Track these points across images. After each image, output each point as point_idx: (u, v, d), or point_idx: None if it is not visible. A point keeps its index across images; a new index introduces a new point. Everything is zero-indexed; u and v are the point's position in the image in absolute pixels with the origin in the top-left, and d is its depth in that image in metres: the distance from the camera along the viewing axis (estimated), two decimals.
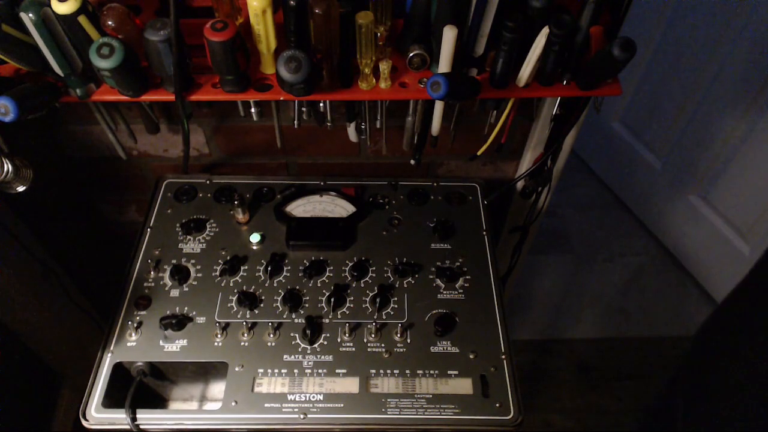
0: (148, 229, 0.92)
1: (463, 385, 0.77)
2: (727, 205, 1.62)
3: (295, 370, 0.78)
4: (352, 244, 0.90)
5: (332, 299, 0.83)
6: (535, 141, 0.98)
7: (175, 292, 0.84)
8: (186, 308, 0.83)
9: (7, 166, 0.78)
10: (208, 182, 0.98)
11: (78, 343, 1.18)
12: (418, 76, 0.75)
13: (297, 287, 0.85)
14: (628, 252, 1.89)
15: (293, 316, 0.82)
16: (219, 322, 0.81)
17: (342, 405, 0.75)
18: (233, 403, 0.75)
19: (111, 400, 0.75)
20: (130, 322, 0.81)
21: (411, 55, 0.73)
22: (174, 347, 0.79)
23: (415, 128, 0.89)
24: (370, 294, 0.84)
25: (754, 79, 1.38)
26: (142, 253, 0.89)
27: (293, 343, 0.80)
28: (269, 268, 0.86)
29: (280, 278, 0.86)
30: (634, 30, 1.40)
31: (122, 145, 0.93)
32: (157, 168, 1.07)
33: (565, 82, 0.75)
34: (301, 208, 0.94)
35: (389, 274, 0.87)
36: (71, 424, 1.14)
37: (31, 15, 0.63)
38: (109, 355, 0.78)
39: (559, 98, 0.84)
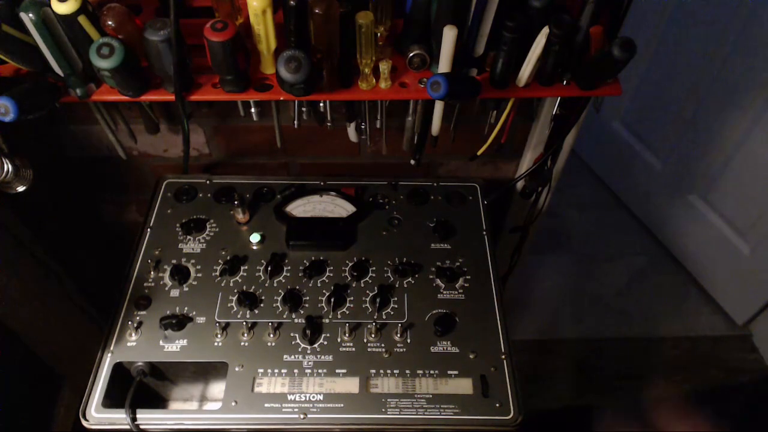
0: (148, 229, 0.92)
1: (463, 385, 0.77)
2: (727, 205, 1.62)
3: (295, 370, 0.78)
4: (352, 244, 0.90)
5: (332, 299, 0.83)
6: (535, 141, 0.98)
7: (175, 292, 0.84)
8: (186, 308, 0.83)
9: (7, 166, 0.78)
10: (208, 182, 0.98)
11: (78, 343, 1.18)
12: (418, 76, 0.75)
13: (297, 287, 0.85)
14: (628, 252, 1.89)
15: (293, 316, 0.82)
16: (219, 322, 0.81)
17: (342, 405, 0.75)
18: (233, 403, 0.75)
19: (111, 400, 0.75)
20: (130, 322, 0.81)
21: (411, 55, 0.73)
22: (174, 347, 0.79)
23: (415, 128, 0.89)
24: (370, 294, 0.85)
25: (754, 79, 1.38)
26: (142, 253, 0.89)
27: (293, 343, 0.80)
28: (269, 268, 0.86)
29: (280, 278, 0.86)
30: (634, 30, 1.40)
31: (122, 145, 0.93)
32: (157, 168, 1.07)
33: (565, 82, 0.75)
34: (301, 208, 0.94)
35: (389, 274, 0.87)
36: (71, 424, 1.14)
37: (31, 15, 0.63)
38: (109, 355, 0.78)
39: (559, 98, 0.84)
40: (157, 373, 0.80)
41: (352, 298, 0.84)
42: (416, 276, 0.87)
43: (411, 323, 0.82)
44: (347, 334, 0.80)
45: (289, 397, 0.75)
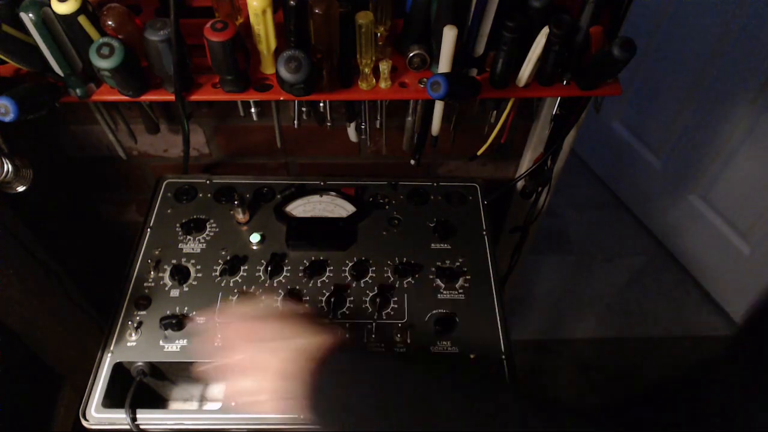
0: (148, 229, 0.92)
1: None
2: (727, 205, 1.62)
3: None
4: (352, 244, 0.90)
5: (332, 299, 0.83)
6: (535, 141, 0.98)
7: (175, 292, 0.84)
8: (186, 308, 0.83)
9: (7, 166, 0.78)
10: (208, 182, 0.98)
11: (78, 343, 1.18)
12: (418, 76, 0.75)
13: (297, 287, 0.85)
14: (628, 252, 1.89)
15: None
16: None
17: None
18: (233, 403, 0.74)
19: (111, 400, 0.75)
20: (130, 322, 0.81)
21: (411, 55, 0.73)
22: (174, 347, 0.79)
23: (415, 128, 0.89)
24: (370, 294, 0.84)
25: (754, 79, 1.38)
26: (142, 253, 0.89)
27: None
28: (269, 268, 0.86)
29: (280, 278, 0.86)
30: (634, 30, 1.40)
31: (122, 145, 0.93)
32: (157, 168, 1.07)
33: (565, 82, 0.75)
34: (301, 208, 0.94)
35: (389, 274, 0.87)
36: (71, 424, 1.14)
37: (31, 15, 0.63)
38: (109, 355, 0.78)
39: (559, 98, 0.84)
40: (157, 373, 0.80)
41: (352, 298, 0.84)
42: (416, 276, 0.87)
43: (411, 323, 0.82)
44: (347, 334, 0.80)
45: None
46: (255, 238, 0.90)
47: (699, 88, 1.53)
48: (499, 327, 0.82)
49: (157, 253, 0.89)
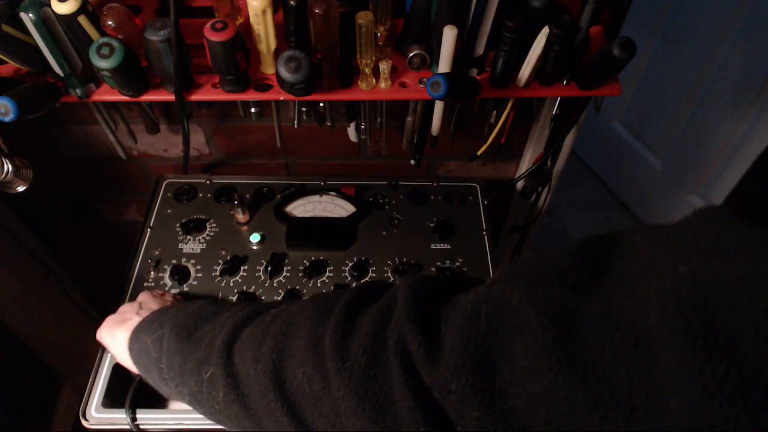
0: (148, 229, 0.92)
1: None
2: None
3: None
4: (352, 244, 0.90)
5: None
6: (535, 141, 0.98)
7: (175, 292, 0.84)
8: None
9: (7, 166, 0.78)
10: (208, 182, 0.98)
11: (78, 343, 1.18)
12: (418, 76, 0.75)
13: (297, 287, 0.85)
14: None
15: None
16: None
17: None
18: None
19: (111, 400, 0.75)
20: None
21: (411, 55, 0.73)
22: None
23: (415, 128, 0.89)
24: None
25: (754, 79, 1.38)
26: (142, 253, 0.89)
27: None
28: (269, 268, 0.86)
29: (280, 278, 0.86)
30: (634, 30, 1.40)
31: (122, 145, 0.93)
32: (157, 168, 1.07)
33: (565, 82, 0.75)
34: (301, 208, 0.94)
35: (389, 274, 0.87)
36: (71, 424, 1.14)
37: (31, 15, 0.63)
38: (110, 355, 0.78)
39: (559, 98, 0.84)
40: None
41: None
42: None
43: None
44: None
45: None
46: (255, 238, 0.90)
47: (699, 88, 1.53)
48: None
49: (157, 253, 0.89)
